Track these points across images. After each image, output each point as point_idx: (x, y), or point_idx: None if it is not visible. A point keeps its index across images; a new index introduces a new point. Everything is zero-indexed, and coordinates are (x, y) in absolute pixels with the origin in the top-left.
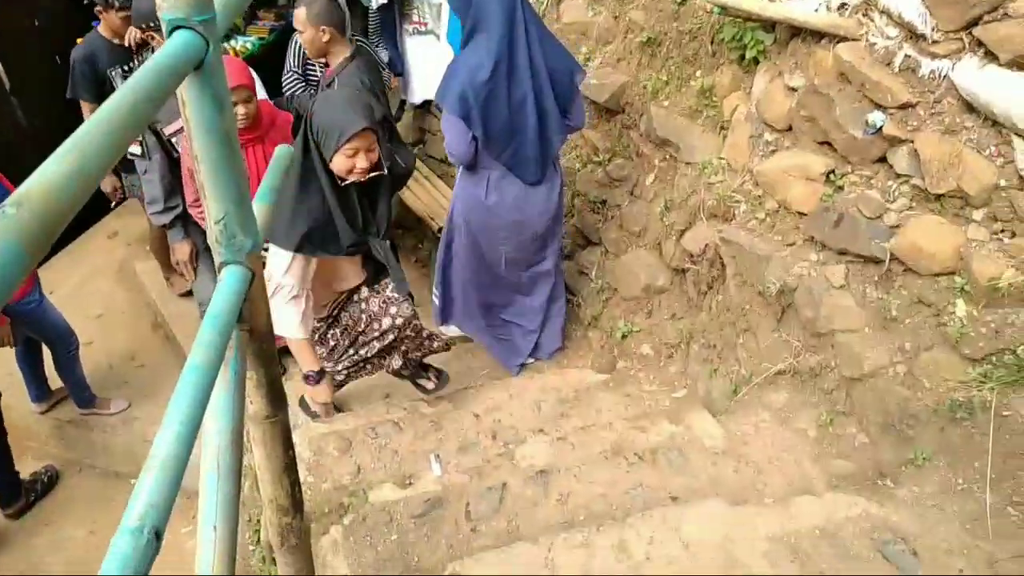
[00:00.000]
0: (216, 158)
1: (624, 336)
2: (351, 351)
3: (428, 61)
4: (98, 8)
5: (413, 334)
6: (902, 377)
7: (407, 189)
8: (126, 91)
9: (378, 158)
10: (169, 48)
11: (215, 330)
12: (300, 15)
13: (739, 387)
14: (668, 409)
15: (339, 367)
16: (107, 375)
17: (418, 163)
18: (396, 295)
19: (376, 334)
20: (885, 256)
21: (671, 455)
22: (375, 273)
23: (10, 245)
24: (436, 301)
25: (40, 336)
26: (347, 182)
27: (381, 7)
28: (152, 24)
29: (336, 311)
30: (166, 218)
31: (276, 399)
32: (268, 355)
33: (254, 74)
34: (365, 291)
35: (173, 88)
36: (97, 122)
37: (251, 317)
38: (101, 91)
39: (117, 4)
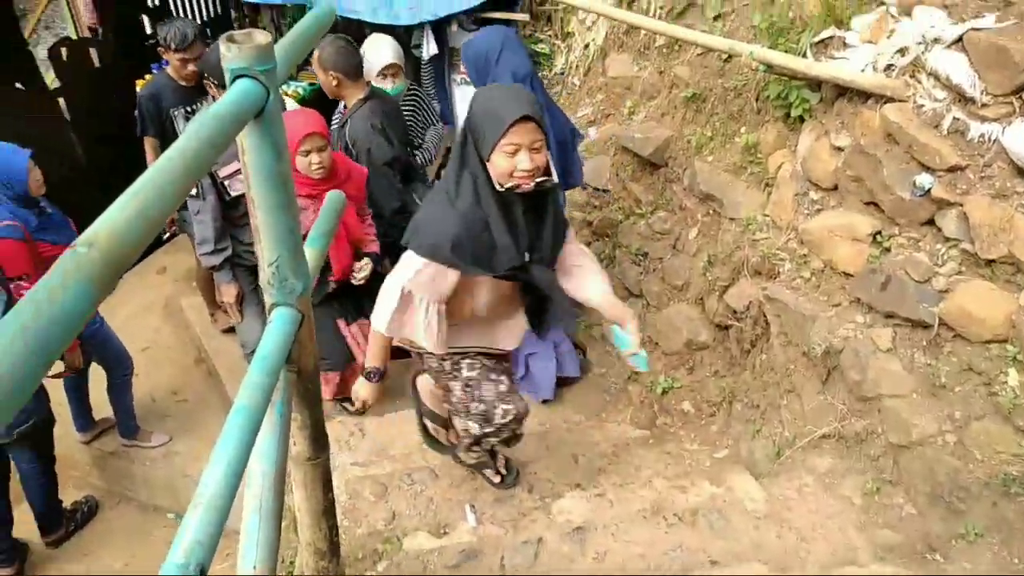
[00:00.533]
0: (272, 203)
1: (665, 392)
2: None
3: None
4: (160, 48)
5: (516, 426)
6: (952, 447)
7: None
8: (190, 137)
9: (547, 163)
10: (232, 96)
11: (264, 371)
12: (314, 59)
13: (782, 449)
14: (709, 469)
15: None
16: (150, 408)
17: None
18: (513, 385)
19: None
20: (934, 321)
21: (712, 517)
22: (536, 311)
23: (81, 283)
24: None
25: (101, 358)
26: (508, 187)
27: (432, 58)
28: (210, 77)
29: (468, 359)
30: (216, 259)
31: (319, 441)
32: (314, 397)
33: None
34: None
35: (235, 135)
36: (162, 167)
37: (299, 359)
38: (163, 128)
39: (173, 46)
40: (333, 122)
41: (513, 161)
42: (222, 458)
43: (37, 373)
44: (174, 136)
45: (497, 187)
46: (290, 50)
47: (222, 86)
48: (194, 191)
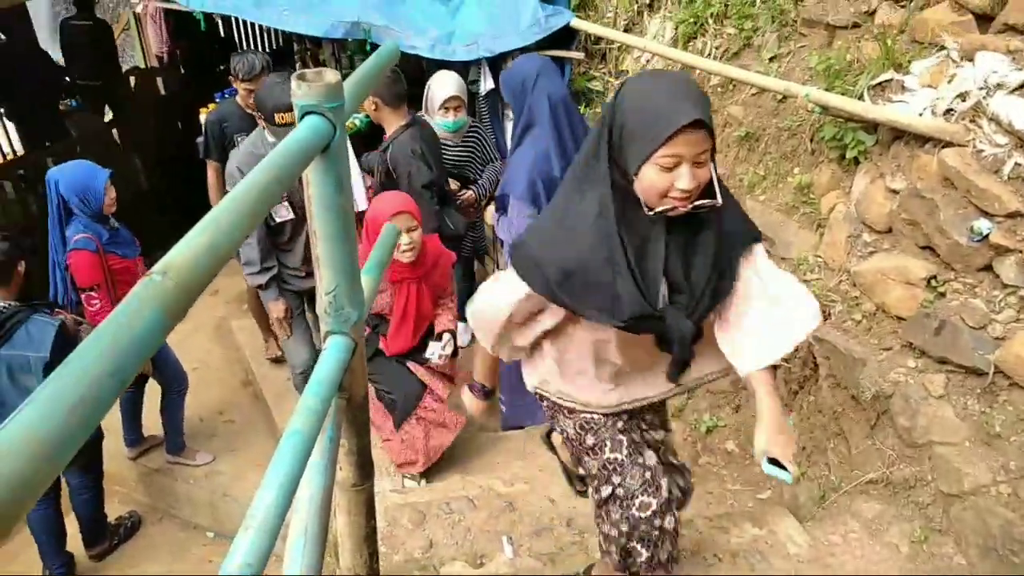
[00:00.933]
0: (332, 233)
1: (709, 430)
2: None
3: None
4: (231, 76)
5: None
6: (1006, 498)
7: (491, 261)
8: (261, 171)
9: (710, 178)
10: (301, 132)
11: (317, 397)
12: None
13: (828, 493)
14: (751, 510)
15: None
16: (197, 427)
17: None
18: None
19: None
20: (989, 369)
21: (753, 559)
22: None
23: (156, 310)
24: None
25: (160, 373)
26: (658, 211)
27: (488, 93)
28: (262, 113)
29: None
30: (262, 279)
31: (365, 468)
32: (362, 424)
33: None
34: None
35: (303, 169)
36: (233, 199)
37: (350, 386)
38: (225, 152)
39: (241, 75)
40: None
41: (670, 177)
42: (274, 482)
43: (114, 394)
44: None
45: (645, 210)
46: (357, 87)
47: (266, 119)
48: None
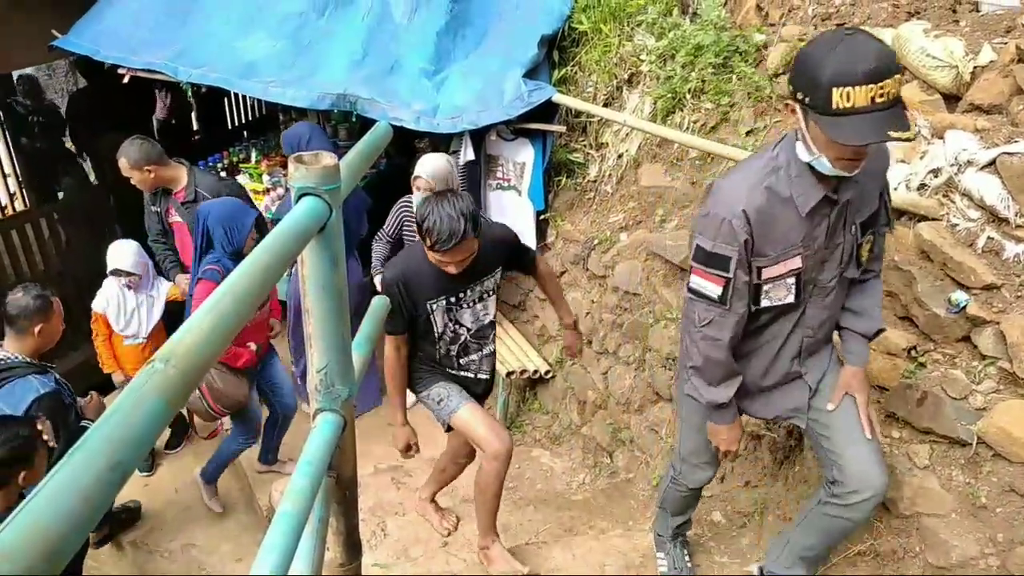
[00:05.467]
0: (326, 311)
1: None
2: None
3: (507, 212)
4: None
5: None
6: (995, 570)
7: None
8: (260, 252)
9: None
10: (298, 213)
11: (307, 477)
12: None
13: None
14: None
15: None
16: (172, 499)
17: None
18: None
19: None
20: (972, 439)
21: None
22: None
23: (157, 401)
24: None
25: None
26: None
27: (468, 163)
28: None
29: None
30: None
31: (353, 548)
32: (351, 503)
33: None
34: None
35: (300, 249)
36: (234, 282)
37: (339, 465)
38: None
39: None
40: (381, 243)
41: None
42: (266, 562)
43: (115, 489)
44: None
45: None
46: (352, 167)
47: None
48: None
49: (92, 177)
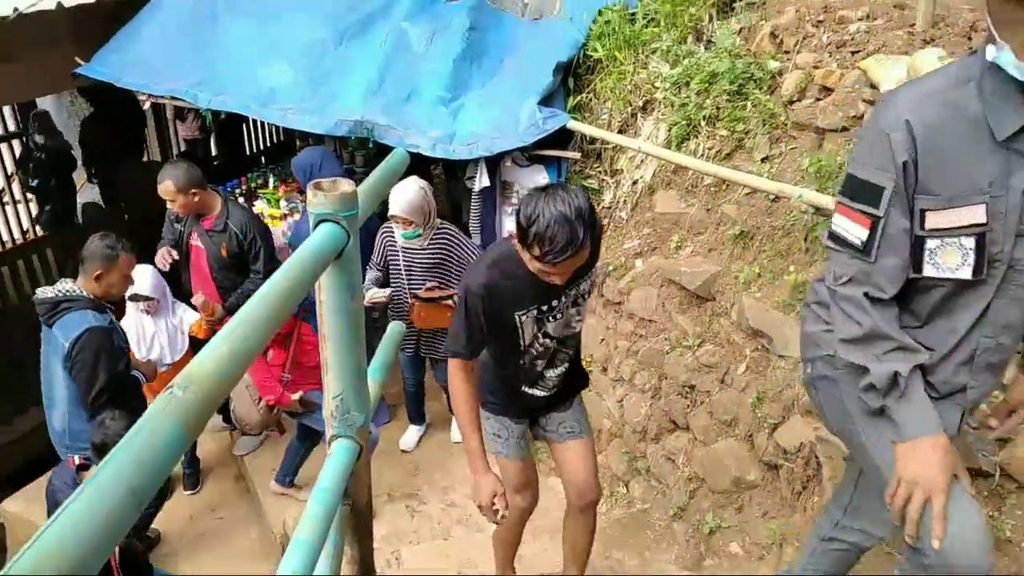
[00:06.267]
0: (342, 338)
1: (712, 532)
2: None
3: None
4: None
5: None
6: None
7: None
8: (278, 278)
9: None
10: (316, 239)
11: (322, 504)
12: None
13: None
14: None
15: None
16: (186, 526)
17: None
18: None
19: None
20: (994, 471)
21: None
22: None
23: (176, 428)
24: None
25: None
26: None
27: (483, 190)
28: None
29: None
30: None
31: (367, 575)
32: (365, 530)
33: None
34: None
35: (318, 275)
36: (252, 307)
37: (354, 492)
38: None
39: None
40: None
41: None
42: None
43: (131, 516)
44: None
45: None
46: (370, 194)
47: None
48: None
49: (99, 200)
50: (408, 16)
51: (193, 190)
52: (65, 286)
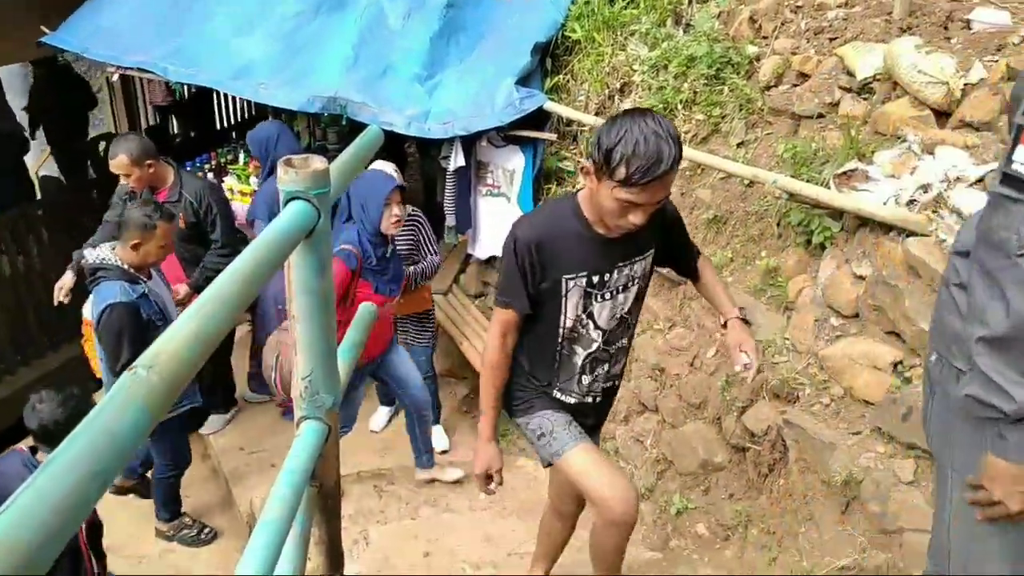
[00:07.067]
0: (311, 317)
1: (679, 512)
2: None
3: (496, 219)
4: None
5: None
6: None
7: (465, 339)
8: (247, 257)
9: None
10: (286, 217)
11: (290, 486)
12: None
13: None
14: None
15: None
16: (150, 507)
17: (477, 313)
18: None
19: None
20: None
21: None
22: None
23: (139, 408)
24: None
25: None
26: None
27: (457, 169)
28: None
29: None
30: None
31: (335, 557)
32: (332, 512)
33: None
34: None
35: (288, 253)
36: (219, 287)
37: (322, 474)
38: None
39: None
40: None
41: None
42: (248, 571)
43: (96, 496)
44: None
45: None
46: (342, 173)
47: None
48: None
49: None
50: None
51: (148, 161)
52: (102, 253)
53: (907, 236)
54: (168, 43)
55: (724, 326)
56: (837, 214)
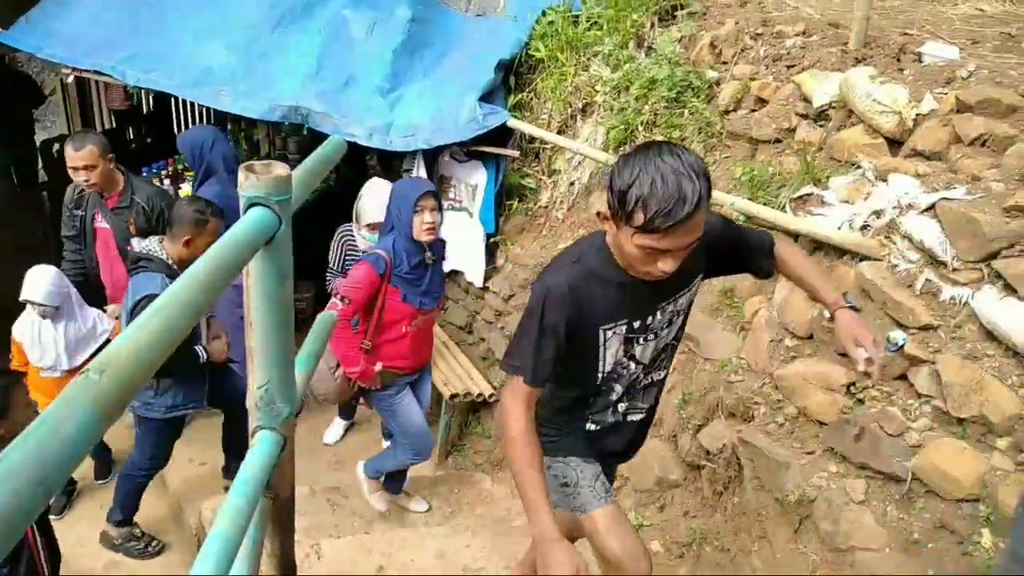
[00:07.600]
0: (270, 326)
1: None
2: None
3: (458, 234)
4: None
5: None
6: None
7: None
8: (206, 262)
9: None
10: (246, 223)
11: (243, 497)
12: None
13: None
14: None
15: None
16: (98, 517)
17: (440, 331)
18: None
19: None
20: (907, 476)
21: None
22: None
23: (88, 412)
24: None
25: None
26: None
27: None
28: None
29: None
30: None
31: (287, 570)
32: (287, 524)
33: None
34: None
35: (247, 260)
36: (177, 290)
37: (278, 485)
38: None
39: None
40: (329, 279)
41: None
42: None
43: (41, 504)
44: None
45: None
46: (303, 181)
47: None
48: None
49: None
50: (349, 3)
51: (110, 155)
52: (149, 244)
53: (860, 260)
54: (126, 46)
55: (831, 319)
56: (793, 237)
